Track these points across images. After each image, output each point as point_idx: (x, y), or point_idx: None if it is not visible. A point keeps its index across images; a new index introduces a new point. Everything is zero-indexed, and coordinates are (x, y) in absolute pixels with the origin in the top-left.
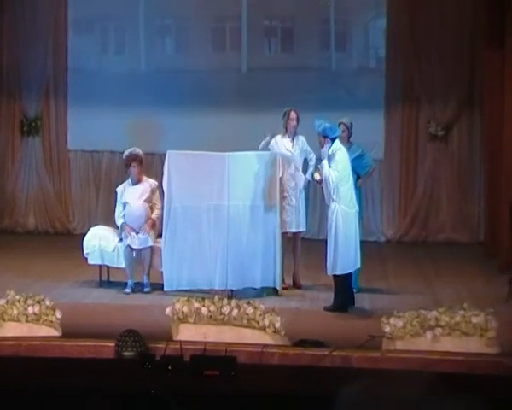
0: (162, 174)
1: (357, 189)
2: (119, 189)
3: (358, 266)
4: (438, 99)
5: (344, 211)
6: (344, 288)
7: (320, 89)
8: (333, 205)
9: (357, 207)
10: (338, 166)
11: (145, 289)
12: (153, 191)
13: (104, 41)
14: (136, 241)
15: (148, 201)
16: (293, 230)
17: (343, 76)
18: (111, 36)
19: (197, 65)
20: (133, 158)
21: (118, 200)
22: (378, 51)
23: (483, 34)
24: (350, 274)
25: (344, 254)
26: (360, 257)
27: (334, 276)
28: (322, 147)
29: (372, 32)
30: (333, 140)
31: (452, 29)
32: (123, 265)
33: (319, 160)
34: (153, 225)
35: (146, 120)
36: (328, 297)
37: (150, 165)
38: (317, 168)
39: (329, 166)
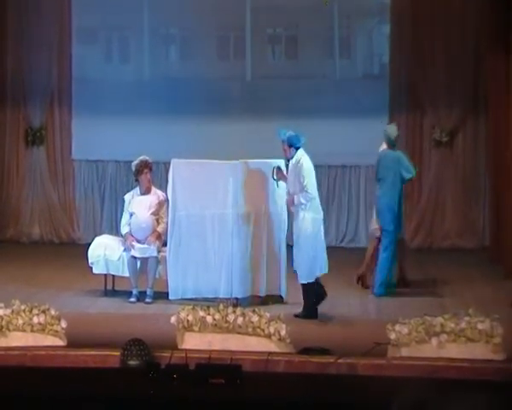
0: (167, 183)
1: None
2: (127, 197)
3: (326, 271)
4: (442, 105)
5: (312, 218)
6: (312, 293)
7: (324, 96)
8: (301, 213)
9: (322, 213)
10: (309, 177)
11: (147, 300)
12: (160, 204)
13: (109, 50)
14: (138, 250)
15: (155, 213)
16: None
17: (347, 83)
18: (115, 45)
19: (202, 73)
20: (145, 165)
21: (125, 208)
22: (382, 58)
23: (488, 39)
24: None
25: (313, 261)
26: None
27: (304, 283)
28: (287, 155)
29: (376, 38)
30: (297, 149)
31: (457, 35)
32: (128, 274)
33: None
34: (158, 238)
35: (150, 129)
36: (331, 305)
37: (155, 173)
38: (277, 168)
39: (300, 181)
